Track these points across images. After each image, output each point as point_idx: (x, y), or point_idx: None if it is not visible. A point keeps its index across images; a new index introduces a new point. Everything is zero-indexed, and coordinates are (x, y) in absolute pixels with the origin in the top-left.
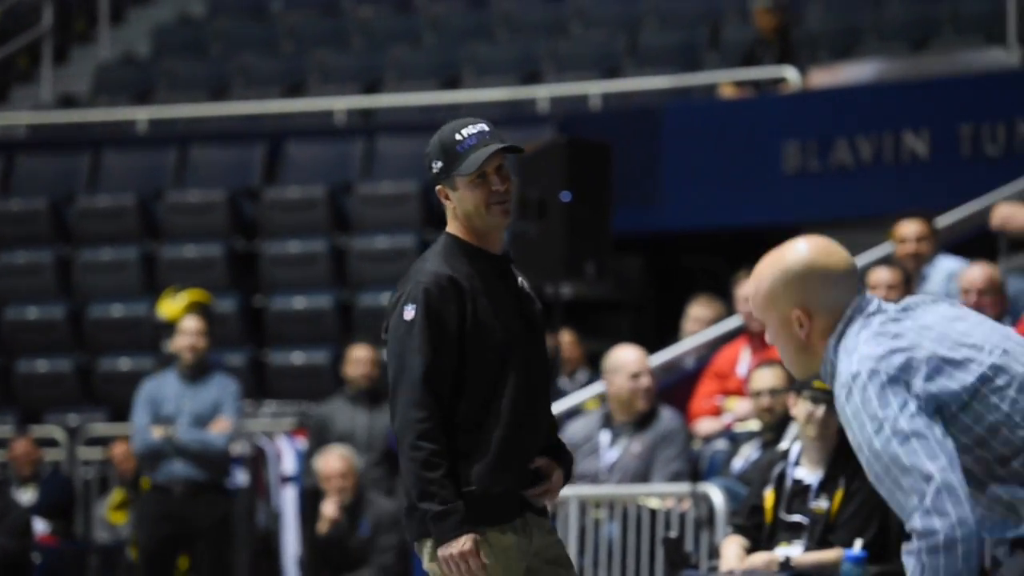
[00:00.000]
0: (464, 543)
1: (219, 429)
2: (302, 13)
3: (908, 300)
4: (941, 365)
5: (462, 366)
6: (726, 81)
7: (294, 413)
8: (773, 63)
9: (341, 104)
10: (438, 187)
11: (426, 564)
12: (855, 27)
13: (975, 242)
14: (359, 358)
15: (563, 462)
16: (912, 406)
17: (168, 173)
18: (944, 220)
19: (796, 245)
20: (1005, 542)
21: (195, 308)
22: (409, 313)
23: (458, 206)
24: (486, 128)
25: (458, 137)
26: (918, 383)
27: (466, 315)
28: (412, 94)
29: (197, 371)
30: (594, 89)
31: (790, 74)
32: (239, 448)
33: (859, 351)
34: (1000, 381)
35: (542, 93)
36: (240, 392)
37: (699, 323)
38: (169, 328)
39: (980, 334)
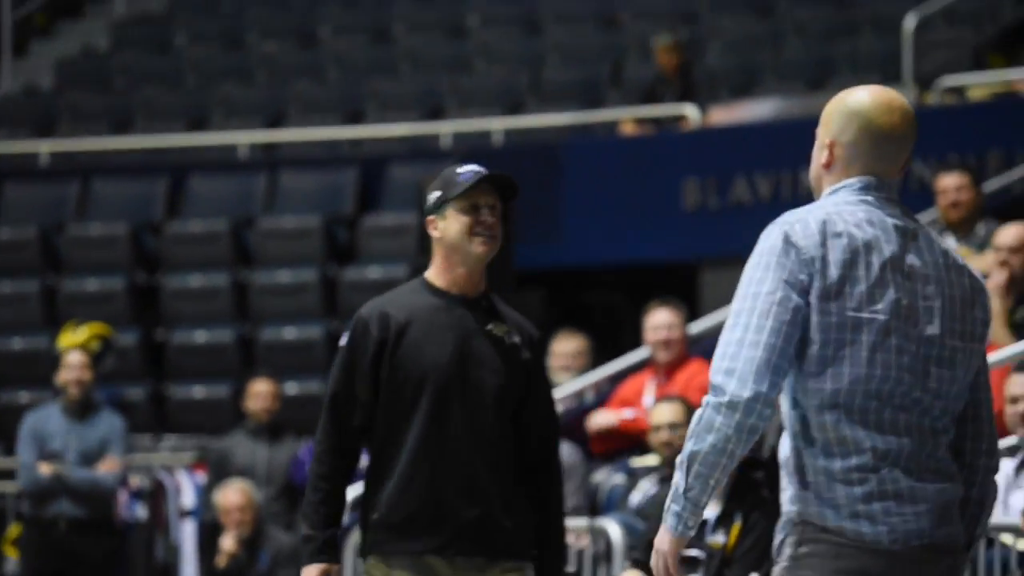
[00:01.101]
0: (309, 573)
1: (108, 468)
2: (205, 47)
3: (880, 236)
4: (843, 279)
5: (378, 392)
6: (627, 118)
7: (194, 447)
8: (674, 101)
9: (244, 138)
10: (429, 218)
11: None
12: (754, 66)
13: None
14: (260, 392)
15: (546, 558)
16: (787, 276)
17: (70, 206)
18: None
19: (871, 89)
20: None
21: (92, 343)
22: (342, 341)
23: (444, 235)
24: (484, 170)
25: (459, 171)
26: (807, 269)
27: (386, 347)
28: (315, 128)
29: (83, 407)
30: (496, 125)
31: (690, 112)
32: (137, 482)
33: (808, 208)
34: (868, 337)
35: (445, 128)
36: (126, 429)
37: (564, 358)
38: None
39: (891, 301)
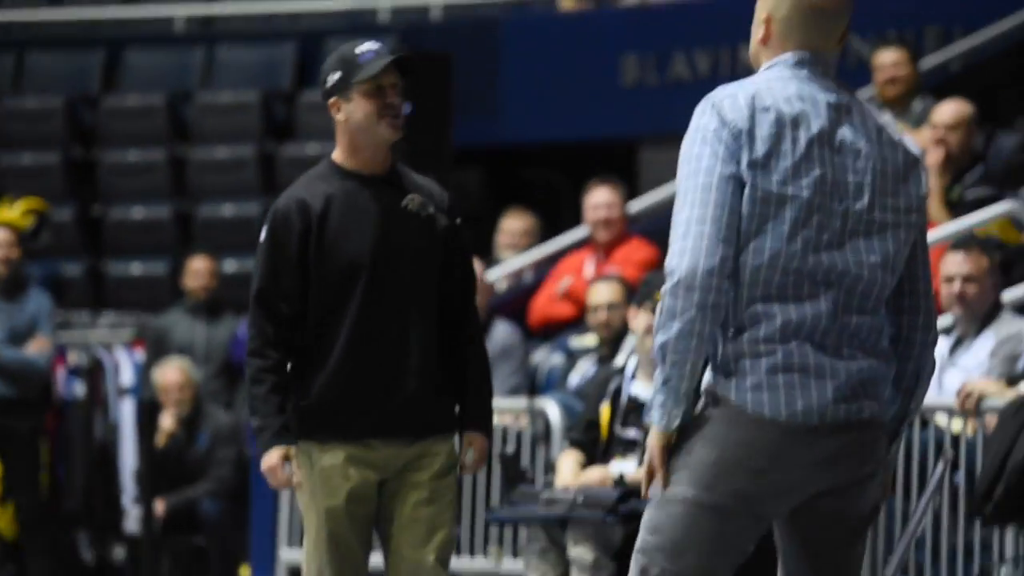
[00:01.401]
0: (269, 458)
1: (38, 348)
2: None
3: (821, 117)
4: (769, 154)
5: (306, 285)
6: None
7: (132, 324)
8: None
9: (181, 11)
10: (331, 100)
11: None
12: None
13: None
14: (198, 269)
15: (473, 416)
16: (722, 150)
17: (5, 79)
18: None
19: None
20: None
21: (28, 218)
22: (262, 235)
23: (349, 118)
24: (383, 47)
25: (358, 50)
26: (737, 142)
27: (310, 237)
28: (253, 2)
29: (12, 286)
30: (435, 0)
31: None
32: (75, 359)
33: (738, 83)
34: (791, 213)
35: (383, 3)
36: (53, 307)
37: (511, 235)
38: None
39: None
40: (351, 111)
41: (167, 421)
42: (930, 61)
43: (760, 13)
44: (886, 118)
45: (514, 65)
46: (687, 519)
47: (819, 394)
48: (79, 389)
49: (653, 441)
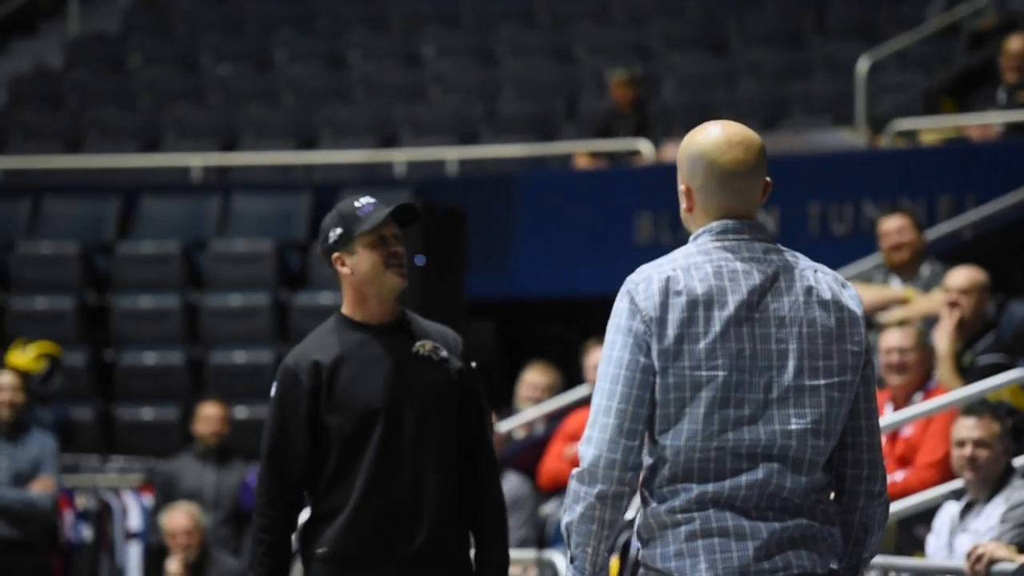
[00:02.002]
0: None
1: (42, 488)
2: (159, 68)
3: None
4: (681, 338)
5: (317, 439)
6: (581, 151)
7: (141, 469)
8: (628, 135)
9: (197, 160)
10: (335, 256)
11: None
12: (708, 104)
13: None
14: (209, 415)
15: (488, 564)
16: (633, 338)
17: (21, 224)
18: None
19: (710, 127)
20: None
21: (41, 362)
22: (272, 391)
23: (355, 271)
24: (378, 200)
25: (357, 205)
26: (648, 330)
27: (320, 393)
28: (269, 153)
29: (15, 428)
30: (450, 155)
31: (644, 147)
32: (84, 502)
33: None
34: (708, 394)
35: (399, 157)
36: (58, 449)
37: (534, 389)
38: None
39: (730, 356)
40: (356, 264)
41: (174, 566)
42: (942, 229)
43: (680, 183)
44: (894, 283)
45: (528, 221)
46: None
47: (740, 555)
48: (87, 533)
49: None
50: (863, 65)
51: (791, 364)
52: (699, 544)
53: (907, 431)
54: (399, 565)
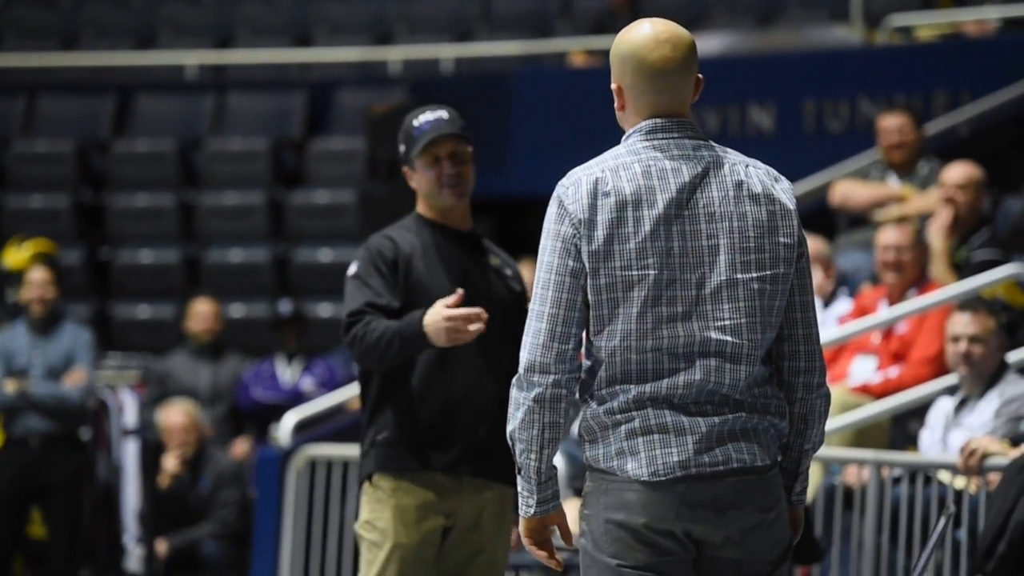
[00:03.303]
0: (436, 311)
1: (74, 381)
2: None
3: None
4: (611, 239)
5: (395, 306)
6: (577, 49)
7: (138, 366)
8: None
9: (193, 58)
10: (404, 168)
11: None
12: (704, 0)
13: (815, 217)
14: (201, 312)
15: None
16: (561, 243)
17: (16, 121)
18: None
19: (640, 25)
20: None
21: (40, 258)
22: (351, 269)
23: (418, 186)
24: (444, 116)
25: (415, 123)
26: (577, 232)
27: (398, 271)
28: (264, 50)
29: (47, 322)
30: (446, 52)
31: None
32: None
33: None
34: (640, 293)
35: (394, 55)
36: (93, 341)
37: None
38: (12, 277)
39: (662, 253)
40: (417, 180)
41: (170, 462)
42: (938, 125)
43: (613, 82)
44: (891, 180)
45: (524, 118)
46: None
47: (679, 450)
48: (84, 430)
49: (521, 528)
50: None
51: (722, 259)
52: (639, 441)
53: (901, 327)
54: (460, 454)
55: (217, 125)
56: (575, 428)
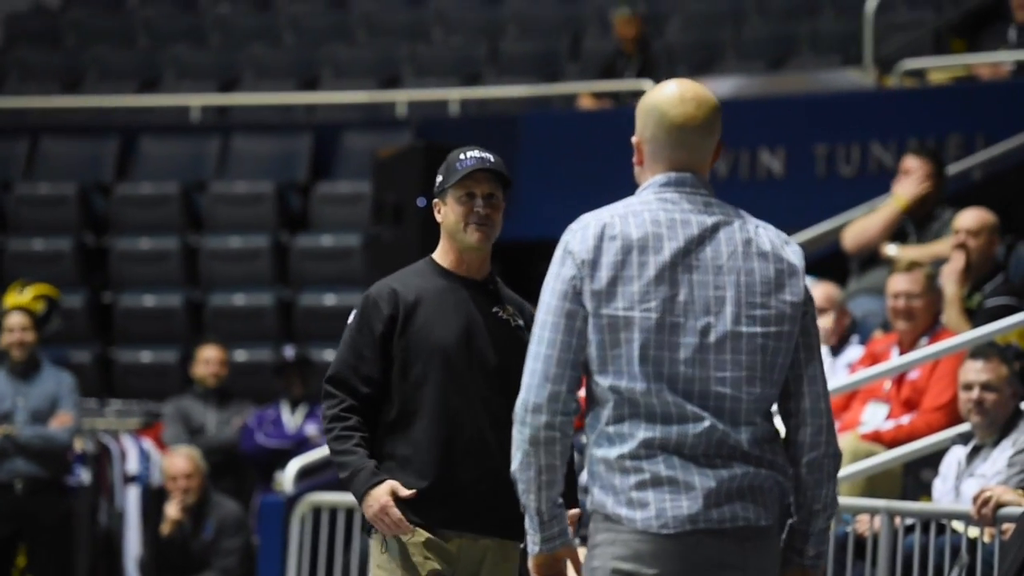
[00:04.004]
0: (378, 494)
1: (60, 424)
2: (158, 7)
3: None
4: (614, 280)
5: (387, 369)
6: (585, 92)
7: (140, 412)
8: (633, 75)
9: (197, 101)
10: (435, 201)
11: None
12: (715, 43)
13: (827, 262)
14: (208, 358)
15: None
16: (564, 284)
17: (18, 164)
18: (797, 238)
19: (669, 84)
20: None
21: (37, 304)
22: (350, 319)
23: (444, 221)
24: (491, 158)
25: (461, 156)
26: (580, 273)
27: (396, 325)
28: (269, 94)
29: (28, 367)
30: (453, 95)
31: (649, 87)
32: (82, 445)
33: (601, 210)
34: (641, 334)
35: (401, 97)
36: (76, 384)
37: None
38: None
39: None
40: (445, 214)
41: (172, 509)
42: (951, 170)
43: (634, 136)
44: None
45: (532, 161)
46: None
47: (690, 503)
48: (85, 476)
49: (530, 564)
50: (871, 3)
51: (728, 311)
52: (649, 492)
53: (914, 374)
54: (462, 509)
55: (221, 168)
56: (583, 476)
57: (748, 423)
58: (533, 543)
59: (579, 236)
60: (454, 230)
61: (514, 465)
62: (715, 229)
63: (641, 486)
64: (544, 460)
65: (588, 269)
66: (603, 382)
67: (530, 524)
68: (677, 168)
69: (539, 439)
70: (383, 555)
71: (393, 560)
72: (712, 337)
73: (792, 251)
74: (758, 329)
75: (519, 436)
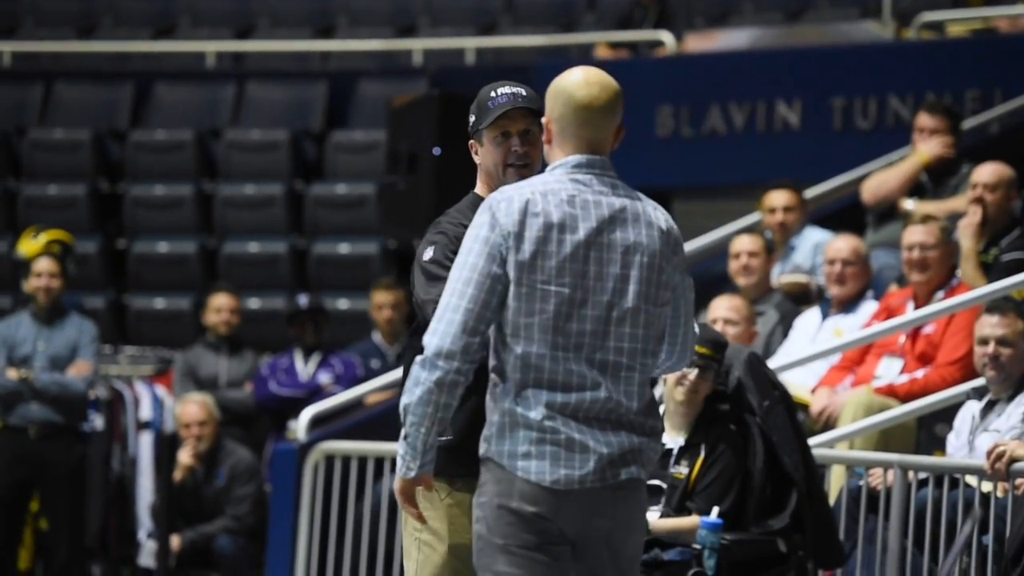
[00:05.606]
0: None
1: (78, 372)
2: None
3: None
4: (536, 254)
5: None
6: (602, 42)
7: (154, 359)
8: (650, 27)
9: (212, 47)
10: (471, 142)
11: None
12: None
13: (843, 214)
14: (220, 305)
15: None
16: (489, 249)
17: (32, 110)
18: (813, 191)
19: (577, 69)
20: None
21: (53, 248)
22: (428, 253)
23: (482, 162)
24: (523, 92)
25: (492, 94)
26: (505, 243)
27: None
28: (284, 41)
29: (52, 313)
30: (469, 44)
31: (666, 38)
32: (96, 392)
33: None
34: (554, 307)
35: (417, 46)
36: (97, 334)
37: None
38: (28, 267)
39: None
40: (483, 156)
41: (185, 456)
42: (968, 123)
43: (544, 117)
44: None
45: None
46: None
47: (581, 465)
48: (98, 422)
49: (396, 486)
50: None
51: (632, 288)
52: (547, 449)
53: (929, 329)
54: None
55: (236, 115)
56: None
57: (640, 393)
58: (408, 469)
59: (504, 208)
60: (492, 172)
61: (409, 398)
62: (622, 210)
63: (540, 442)
64: (444, 399)
65: (513, 241)
66: (515, 346)
67: (409, 452)
68: (583, 149)
69: (445, 382)
70: (427, 511)
71: (439, 517)
72: (616, 312)
73: (673, 224)
74: (652, 307)
75: (426, 375)
